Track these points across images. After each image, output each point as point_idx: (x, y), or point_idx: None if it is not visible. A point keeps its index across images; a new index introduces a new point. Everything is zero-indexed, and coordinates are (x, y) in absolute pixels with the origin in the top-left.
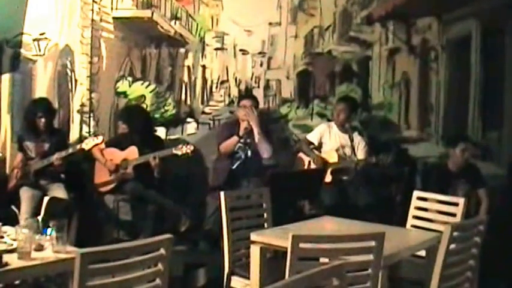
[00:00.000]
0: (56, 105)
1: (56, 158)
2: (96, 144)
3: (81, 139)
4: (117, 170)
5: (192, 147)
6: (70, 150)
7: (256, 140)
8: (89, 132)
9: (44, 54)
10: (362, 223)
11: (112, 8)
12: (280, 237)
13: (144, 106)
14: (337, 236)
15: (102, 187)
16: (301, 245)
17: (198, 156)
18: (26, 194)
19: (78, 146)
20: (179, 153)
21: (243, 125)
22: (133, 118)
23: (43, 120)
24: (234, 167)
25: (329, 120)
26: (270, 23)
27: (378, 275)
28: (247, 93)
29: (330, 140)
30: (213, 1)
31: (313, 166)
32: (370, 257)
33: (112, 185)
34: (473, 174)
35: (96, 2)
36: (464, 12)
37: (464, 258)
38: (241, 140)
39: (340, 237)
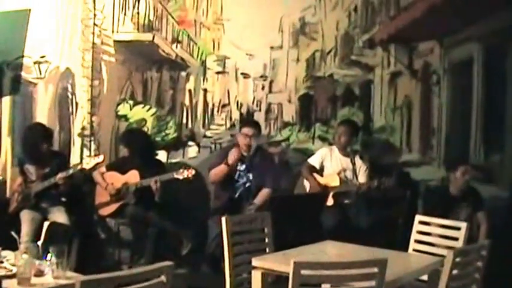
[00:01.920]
0: (56, 128)
1: (59, 177)
2: (97, 163)
3: (81, 162)
4: (118, 194)
5: (193, 171)
6: (71, 171)
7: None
8: (90, 155)
9: (44, 77)
10: (364, 248)
11: (113, 31)
12: (281, 262)
13: (145, 129)
14: (339, 262)
15: (103, 210)
16: (303, 272)
17: (199, 179)
18: (26, 217)
19: (79, 166)
20: (180, 177)
21: (234, 155)
22: (134, 142)
23: (41, 146)
24: (236, 195)
25: (331, 144)
26: (272, 47)
27: None
28: (249, 119)
29: (331, 164)
30: (214, 25)
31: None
32: (373, 283)
33: (113, 209)
34: (474, 197)
35: (97, 25)
36: (465, 35)
37: (466, 284)
38: (241, 168)
39: (342, 263)
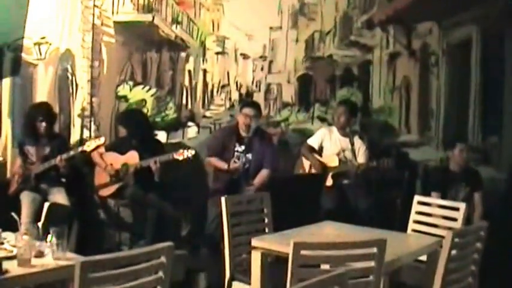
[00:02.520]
0: (56, 109)
1: (59, 159)
2: (98, 146)
3: (81, 143)
4: (118, 175)
5: (193, 152)
6: (72, 152)
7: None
8: (90, 136)
9: (44, 58)
10: (363, 228)
11: (113, 12)
12: (281, 243)
13: (145, 110)
14: (338, 243)
15: (103, 191)
16: (303, 252)
17: (198, 160)
18: (26, 198)
19: (80, 148)
20: (180, 157)
21: (237, 167)
22: (133, 122)
23: (43, 124)
24: (235, 176)
25: (330, 124)
26: (271, 27)
27: (380, 282)
28: (250, 100)
29: (330, 144)
30: (214, 5)
31: (313, 171)
32: (372, 263)
33: (112, 190)
34: (473, 177)
35: (97, 6)
36: (464, 17)
37: (465, 264)
38: (239, 149)
39: (342, 244)
